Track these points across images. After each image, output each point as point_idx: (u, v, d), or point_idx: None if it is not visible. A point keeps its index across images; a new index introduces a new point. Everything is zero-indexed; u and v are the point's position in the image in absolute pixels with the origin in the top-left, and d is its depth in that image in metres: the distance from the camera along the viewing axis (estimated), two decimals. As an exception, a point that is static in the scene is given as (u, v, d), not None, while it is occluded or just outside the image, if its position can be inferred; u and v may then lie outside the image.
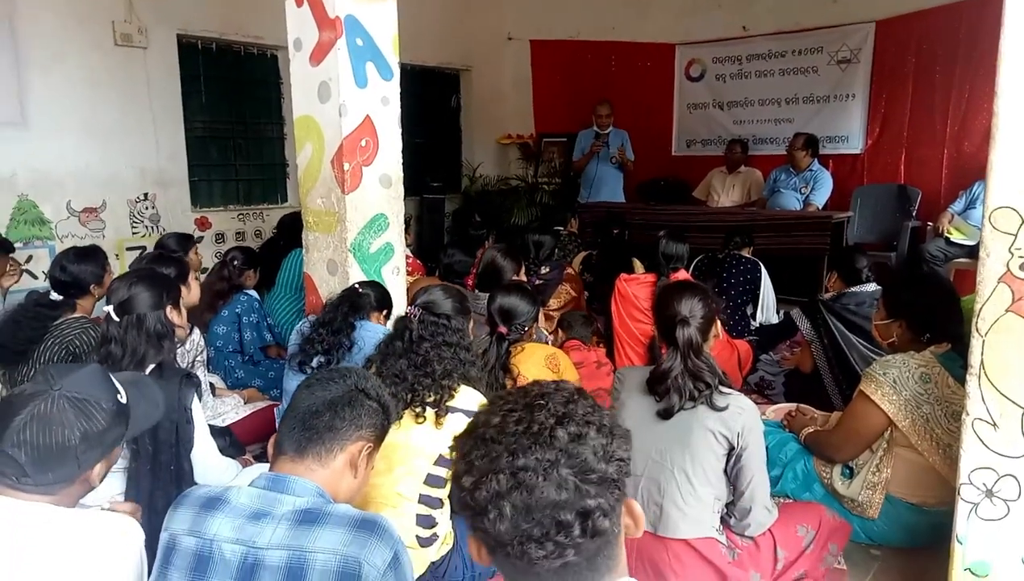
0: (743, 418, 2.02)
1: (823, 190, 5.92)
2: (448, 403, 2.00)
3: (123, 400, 1.44)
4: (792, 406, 2.99)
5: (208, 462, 2.07)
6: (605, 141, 6.68)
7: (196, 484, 1.89)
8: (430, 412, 1.99)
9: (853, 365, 3.10)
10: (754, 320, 4.49)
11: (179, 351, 2.83)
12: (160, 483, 1.95)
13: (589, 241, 5.57)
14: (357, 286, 2.88)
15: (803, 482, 2.52)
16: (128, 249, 5.56)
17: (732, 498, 2.08)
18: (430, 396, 1.98)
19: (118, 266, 5.28)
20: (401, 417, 1.95)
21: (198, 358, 3.13)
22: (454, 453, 0.88)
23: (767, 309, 4.48)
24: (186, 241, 4.22)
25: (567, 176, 7.58)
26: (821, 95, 6.69)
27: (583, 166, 6.85)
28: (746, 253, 4.57)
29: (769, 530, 2.08)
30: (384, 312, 2.92)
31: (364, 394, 1.43)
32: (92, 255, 3.05)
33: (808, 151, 5.99)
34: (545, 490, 0.81)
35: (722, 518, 2.09)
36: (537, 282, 3.99)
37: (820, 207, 5.84)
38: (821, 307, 3.34)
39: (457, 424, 2.00)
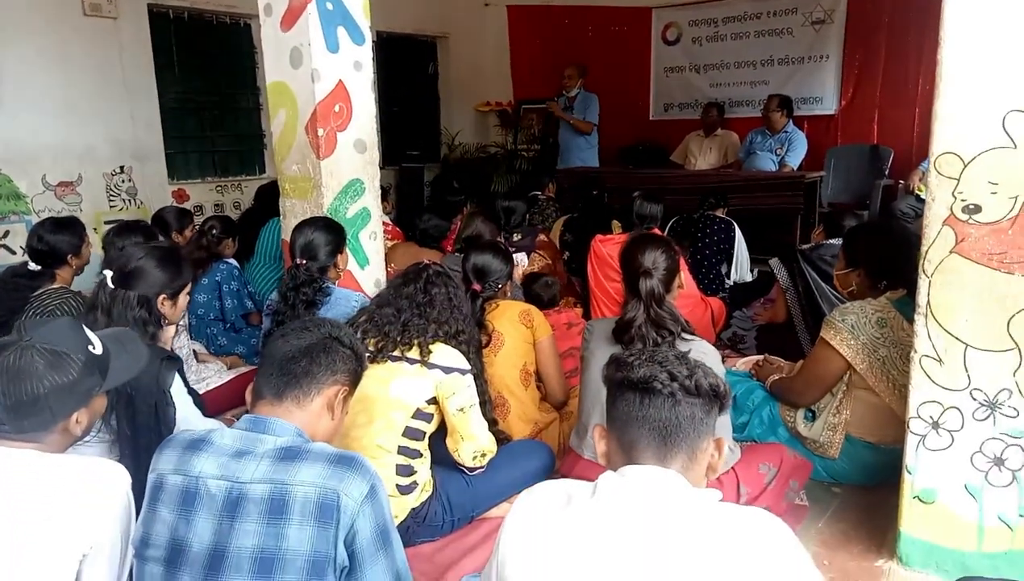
0: (705, 361, 2.10)
1: (798, 151, 5.99)
2: (428, 358, 2.08)
3: (96, 351, 1.48)
4: (760, 357, 3.10)
5: (193, 417, 2.11)
6: (567, 104, 6.68)
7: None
8: (409, 366, 2.07)
9: (824, 313, 3.20)
10: (728, 279, 4.58)
11: None
12: (142, 465, 1.94)
13: (569, 205, 5.62)
14: (299, 261, 2.69)
15: (769, 426, 2.63)
16: (106, 222, 5.53)
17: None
18: (417, 337, 2.06)
19: (96, 239, 5.27)
20: (386, 360, 2.03)
21: (180, 324, 3.17)
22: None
23: (741, 268, 4.57)
24: (183, 216, 4.21)
25: (546, 142, 7.60)
26: (796, 56, 6.73)
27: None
28: (720, 214, 4.65)
29: (732, 468, 2.19)
30: (339, 253, 2.83)
31: (338, 342, 1.50)
32: (69, 225, 3.07)
33: (782, 112, 6.04)
34: (671, 357, 1.25)
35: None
36: (510, 250, 4.01)
37: (795, 168, 5.92)
38: (798, 257, 3.43)
39: (437, 379, 2.08)
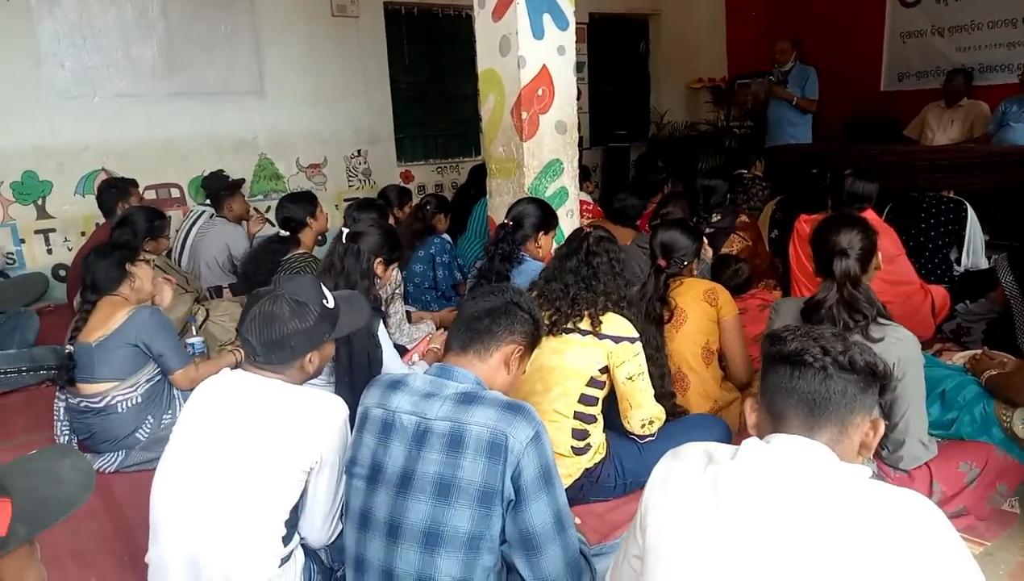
0: (900, 348, 2.01)
1: (1063, 121, 5.18)
2: (600, 329, 2.20)
3: (329, 305, 1.81)
4: (979, 351, 2.82)
5: (393, 370, 2.45)
6: (780, 79, 6.32)
7: None
8: (582, 338, 2.20)
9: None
10: (958, 265, 4.14)
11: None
12: (357, 396, 2.35)
13: (780, 183, 5.38)
14: (507, 221, 3.08)
15: (981, 425, 2.39)
16: (345, 200, 6.30)
17: (885, 430, 2.08)
18: (587, 309, 2.19)
19: (337, 214, 6.04)
20: (561, 333, 2.19)
21: (396, 291, 3.58)
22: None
23: (974, 253, 4.10)
24: (403, 194, 4.74)
25: (759, 118, 7.28)
26: (1069, 10, 5.79)
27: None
28: (948, 193, 4.20)
29: (927, 464, 2.06)
30: (542, 233, 3.09)
31: (518, 306, 1.68)
32: (303, 197, 3.64)
33: (1046, 77, 5.26)
34: (826, 333, 1.25)
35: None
36: (707, 231, 3.93)
37: (1060, 142, 5.14)
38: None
39: (608, 348, 2.19)
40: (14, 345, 3.76)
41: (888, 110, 6.76)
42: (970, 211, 4.07)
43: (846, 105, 6.70)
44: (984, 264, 4.16)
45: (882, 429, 1.24)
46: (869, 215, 3.59)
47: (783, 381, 1.22)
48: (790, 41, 6.37)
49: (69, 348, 2.72)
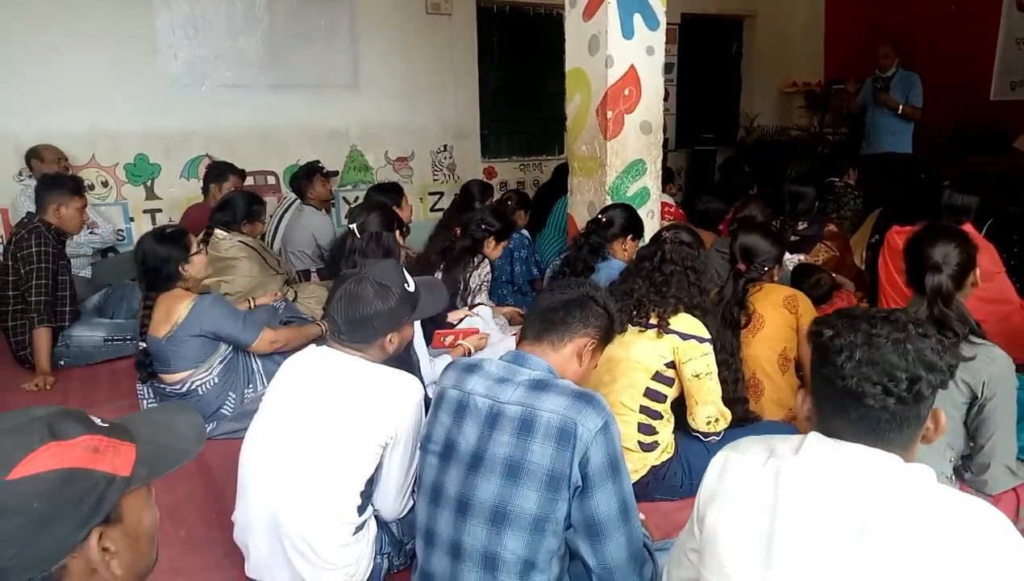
0: (992, 368, 1.94)
1: None
2: (669, 325, 2.22)
3: (410, 289, 1.90)
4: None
5: (422, 350, 2.56)
6: (884, 85, 6.07)
7: (419, 366, 2.41)
8: (648, 331, 2.23)
9: None
10: (1066, 286, 3.90)
11: (473, 276, 3.40)
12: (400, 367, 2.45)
13: (877, 193, 5.18)
14: (600, 217, 3.20)
15: (1076, 454, 2.27)
16: (430, 193, 6.46)
17: (970, 451, 2.01)
18: (655, 310, 2.20)
19: (421, 208, 6.20)
20: (625, 330, 2.21)
21: (484, 284, 3.65)
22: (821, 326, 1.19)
23: (1084, 274, 3.86)
24: (485, 189, 4.84)
25: (855, 124, 7.01)
26: None
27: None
28: (1060, 209, 3.97)
29: (1014, 489, 1.98)
30: (630, 236, 3.19)
31: (593, 300, 1.71)
32: (389, 188, 3.85)
33: None
34: (888, 353, 1.10)
35: (958, 470, 2.03)
36: (792, 238, 3.84)
37: None
38: None
39: (675, 343, 2.21)
40: (121, 315, 4.06)
41: (996, 120, 6.39)
42: (1082, 229, 3.83)
43: (950, 114, 6.38)
44: (1094, 286, 3.91)
45: (943, 419, 1.18)
46: (967, 229, 3.44)
47: (837, 410, 1.15)
48: (893, 45, 6.11)
49: (142, 344, 2.84)
